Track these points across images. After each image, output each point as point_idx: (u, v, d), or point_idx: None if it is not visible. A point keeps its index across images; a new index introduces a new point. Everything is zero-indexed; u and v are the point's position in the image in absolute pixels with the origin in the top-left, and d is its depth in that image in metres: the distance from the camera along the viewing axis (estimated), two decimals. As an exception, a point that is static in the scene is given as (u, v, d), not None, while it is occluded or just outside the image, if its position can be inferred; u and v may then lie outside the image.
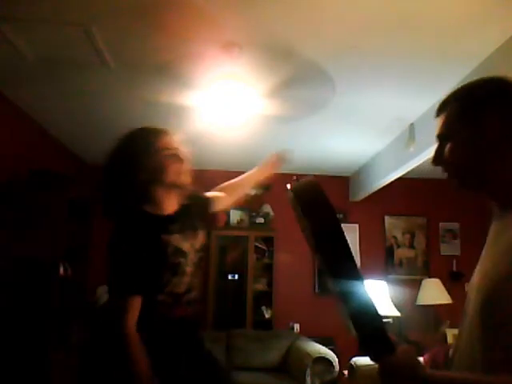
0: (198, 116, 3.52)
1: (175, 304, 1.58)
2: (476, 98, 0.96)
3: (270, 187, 5.14)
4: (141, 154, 1.62)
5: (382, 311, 0.89)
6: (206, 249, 1.74)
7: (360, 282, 0.89)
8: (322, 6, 2.30)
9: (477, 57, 2.68)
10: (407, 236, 5.50)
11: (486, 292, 0.83)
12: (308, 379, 3.93)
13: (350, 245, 0.94)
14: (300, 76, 3.03)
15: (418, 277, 5.18)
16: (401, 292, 4.98)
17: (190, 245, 1.63)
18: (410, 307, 4.78)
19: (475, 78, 0.98)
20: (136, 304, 1.50)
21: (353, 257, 0.91)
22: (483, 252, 0.95)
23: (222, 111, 3.06)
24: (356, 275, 0.89)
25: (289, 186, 1.03)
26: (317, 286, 5.35)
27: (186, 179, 1.63)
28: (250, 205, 5.07)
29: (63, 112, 3.84)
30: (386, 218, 5.51)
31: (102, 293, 4.31)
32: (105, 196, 1.69)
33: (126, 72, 3.05)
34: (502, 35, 2.48)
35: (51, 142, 4.36)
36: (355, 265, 0.90)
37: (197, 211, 1.73)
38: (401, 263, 5.44)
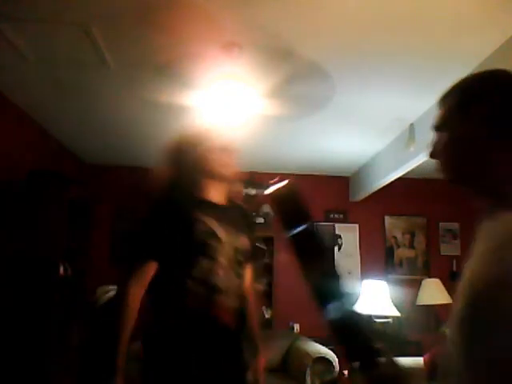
0: (198, 116, 3.52)
1: (209, 298, 1.48)
2: (472, 90, 0.94)
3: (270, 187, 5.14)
4: (191, 144, 1.66)
5: (367, 321, 0.88)
6: (249, 258, 1.71)
7: (342, 292, 0.88)
8: (322, 5, 2.30)
9: (477, 57, 2.68)
10: (407, 236, 5.50)
11: (468, 298, 0.81)
12: (308, 379, 3.92)
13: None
14: (300, 76, 3.03)
15: (418, 277, 5.18)
16: (401, 292, 4.97)
17: (227, 237, 1.59)
18: (410, 307, 4.78)
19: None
20: (147, 270, 1.48)
21: (334, 272, 0.91)
22: (472, 251, 0.94)
23: (222, 111, 3.06)
24: (335, 282, 0.89)
25: (268, 191, 1.02)
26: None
27: (230, 171, 1.65)
28: (250, 205, 5.07)
29: (63, 112, 3.84)
30: (386, 217, 5.51)
31: (102, 293, 4.31)
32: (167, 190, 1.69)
33: (126, 72, 3.05)
34: (502, 35, 2.48)
35: (51, 142, 4.36)
36: (335, 275, 0.91)
37: (245, 220, 1.76)
38: (401, 263, 5.44)
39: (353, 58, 2.81)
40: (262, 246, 5.29)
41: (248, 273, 1.71)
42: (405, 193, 5.30)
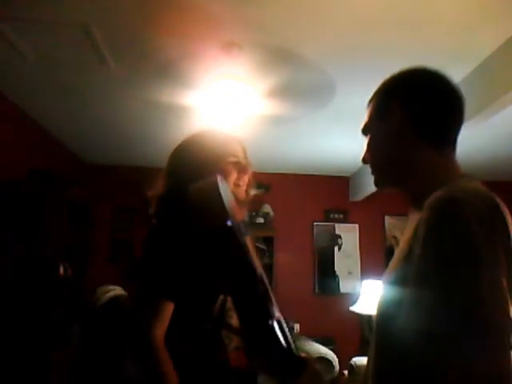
0: (198, 116, 3.52)
1: (231, 345, 1.28)
2: (386, 89, 0.94)
3: (269, 187, 5.14)
4: (204, 157, 1.41)
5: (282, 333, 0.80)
6: None
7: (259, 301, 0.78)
8: (321, 6, 2.30)
9: (477, 57, 2.68)
10: (407, 236, 5.49)
11: (382, 299, 0.83)
12: (308, 379, 3.92)
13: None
14: (300, 76, 3.03)
15: (418, 277, 5.17)
16: (401, 292, 4.97)
17: None
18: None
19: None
20: (166, 312, 1.24)
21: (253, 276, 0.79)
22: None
23: (222, 111, 3.06)
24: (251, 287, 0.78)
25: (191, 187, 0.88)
26: (317, 286, 5.35)
27: (243, 191, 1.46)
28: (249, 205, 5.07)
29: (63, 112, 3.84)
30: (386, 217, 5.50)
31: (102, 293, 4.31)
32: (165, 195, 1.45)
33: (126, 72, 3.05)
34: (502, 35, 2.48)
35: (51, 142, 4.36)
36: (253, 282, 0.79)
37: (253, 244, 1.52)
38: (401, 263, 5.44)
39: (352, 58, 2.81)
40: (262, 246, 5.29)
41: None
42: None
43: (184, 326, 1.27)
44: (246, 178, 1.46)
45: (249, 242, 0.90)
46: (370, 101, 0.96)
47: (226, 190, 0.90)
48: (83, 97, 3.51)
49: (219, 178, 0.88)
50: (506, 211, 0.75)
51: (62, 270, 3.63)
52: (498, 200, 0.75)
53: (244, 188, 1.45)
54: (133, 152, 4.81)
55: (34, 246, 3.38)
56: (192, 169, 1.36)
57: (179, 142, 1.50)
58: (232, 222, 0.79)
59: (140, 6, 2.33)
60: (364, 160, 0.96)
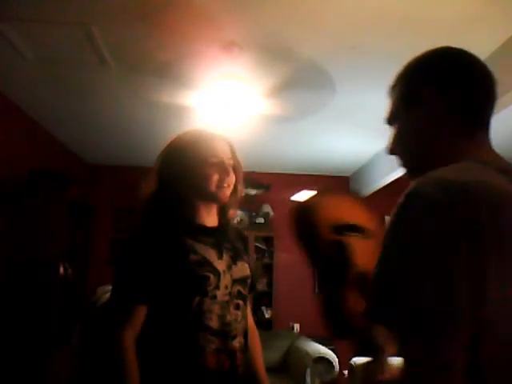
0: (198, 116, 3.52)
1: (207, 347, 1.25)
2: (414, 75, 0.89)
3: (269, 187, 5.14)
4: (185, 159, 1.39)
5: None
6: (250, 286, 1.44)
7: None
8: (321, 5, 2.30)
9: (477, 56, 2.68)
10: (407, 236, 5.49)
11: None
12: (308, 379, 3.92)
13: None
14: (300, 76, 3.03)
15: (418, 277, 5.17)
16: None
17: (225, 266, 1.34)
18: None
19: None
20: (138, 315, 1.26)
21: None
22: None
23: (222, 111, 3.06)
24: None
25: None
26: (317, 286, 5.35)
27: (228, 192, 1.40)
28: (250, 205, 5.07)
29: (63, 112, 3.84)
30: (386, 218, 5.46)
31: (102, 293, 4.31)
32: (147, 198, 1.45)
33: (126, 72, 3.06)
34: (502, 35, 2.49)
35: (51, 142, 4.36)
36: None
37: (242, 243, 1.52)
38: (401, 263, 5.44)
39: (353, 58, 2.81)
40: (262, 246, 5.29)
41: (248, 304, 1.47)
42: (405, 193, 5.30)
43: (161, 329, 1.28)
44: (230, 179, 1.40)
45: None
46: (393, 88, 0.91)
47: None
48: (83, 97, 3.51)
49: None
50: (484, 196, 0.68)
51: (62, 270, 3.63)
52: (476, 186, 0.69)
53: (230, 189, 1.40)
54: (133, 152, 4.81)
55: (35, 246, 3.38)
56: (176, 171, 1.38)
57: (169, 141, 1.50)
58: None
59: (140, 6, 2.33)
60: (391, 151, 0.92)
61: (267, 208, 5.31)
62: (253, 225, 5.23)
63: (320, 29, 2.51)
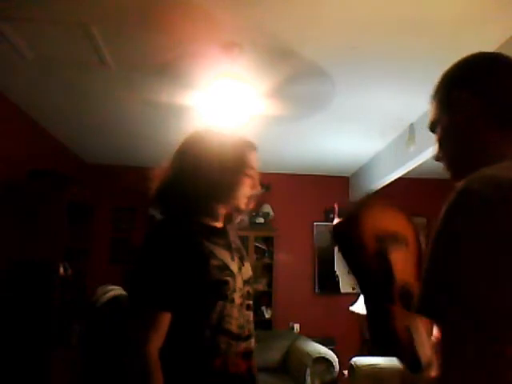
0: (198, 116, 3.52)
1: (228, 351, 1.25)
2: (450, 80, 0.91)
3: (269, 187, 5.14)
4: (219, 162, 1.35)
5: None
6: (252, 284, 1.45)
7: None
8: (322, 6, 2.29)
9: (477, 57, 2.68)
10: (407, 236, 5.49)
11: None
12: (308, 379, 3.93)
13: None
14: (300, 76, 3.03)
15: (418, 277, 5.17)
16: (401, 292, 4.97)
17: (237, 268, 1.35)
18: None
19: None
20: (164, 323, 1.22)
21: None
22: None
23: (222, 111, 3.06)
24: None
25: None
26: (317, 286, 5.35)
27: (248, 205, 1.43)
28: (249, 205, 5.06)
29: (63, 112, 3.84)
30: (386, 218, 5.50)
31: (102, 293, 4.31)
32: (162, 197, 1.40)
33: (126, 72, 3.05)
34: (502, 35, 2.48)
35: (51, 142, 4.36)
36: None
37: (240, 241, 1.52)
38: (401, 263, 5.44)
39: (353, 58, 2.81)
40: (262, 246, 5.29)
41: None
42: (405, 193, 5.29)
43: (182, 334, 1.26)
44: (253, 192, 1.44)
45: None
46: (434, 96, 0.94)
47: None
48: (83, 97, 3.50)
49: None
50: None
51: (62, 269, 3.63)
52: None
53: (251, 202, 1.44)
54: (133, 152, 4.81)
55: (35, 246, 3.38)
56: (207, 174, 1.33)
57: (190, 138, 1.45)
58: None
59: (140, 6, 2.33)
60: (438, 158, 0.93)
61: (267, 208, 5.31)
62: (253, 225, 5.23)
63: (320, 29, 2.51)
